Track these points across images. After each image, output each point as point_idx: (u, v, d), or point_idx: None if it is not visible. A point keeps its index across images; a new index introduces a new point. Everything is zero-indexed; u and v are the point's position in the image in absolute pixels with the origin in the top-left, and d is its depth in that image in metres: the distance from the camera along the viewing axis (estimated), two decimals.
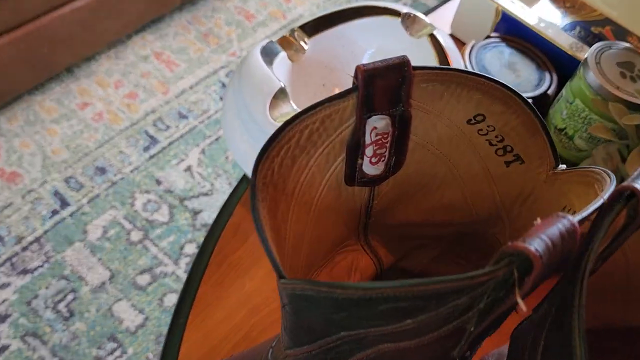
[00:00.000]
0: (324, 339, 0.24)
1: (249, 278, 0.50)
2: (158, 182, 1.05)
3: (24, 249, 0.95)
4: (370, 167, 0.27)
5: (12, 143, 1.08)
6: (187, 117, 1.16)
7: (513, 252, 0.17)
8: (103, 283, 0.92)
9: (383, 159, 0.27)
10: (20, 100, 1.14)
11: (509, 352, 0.28)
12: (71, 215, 0.99)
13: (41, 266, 0.93)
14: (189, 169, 1.08)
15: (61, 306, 0.89)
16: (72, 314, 0.88)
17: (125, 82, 1.21)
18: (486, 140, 0.28)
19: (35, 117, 1.12)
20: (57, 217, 0.99)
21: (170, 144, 1.11)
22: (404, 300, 0.18)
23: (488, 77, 0.25)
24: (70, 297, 0.90)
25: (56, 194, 1.02)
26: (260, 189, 0.22)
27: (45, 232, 0.97)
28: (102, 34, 1.17)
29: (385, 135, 0.26)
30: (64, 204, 1.01)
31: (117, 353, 0.84)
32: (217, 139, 1.14)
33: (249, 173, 0.52)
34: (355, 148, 0.26)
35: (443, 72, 0.24)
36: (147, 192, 1.04)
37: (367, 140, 0.25)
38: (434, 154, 0.29)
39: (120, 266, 0.94)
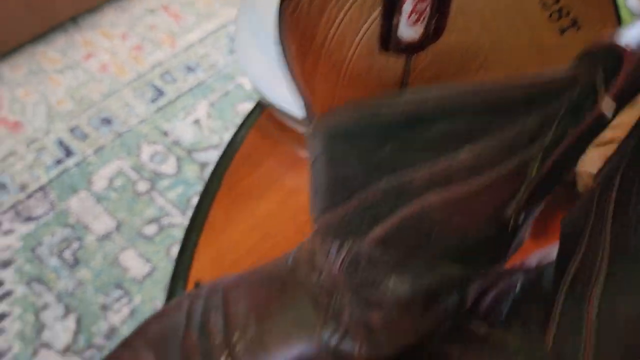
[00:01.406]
0: (362, 193, 0.21)
1: (261, 205, 0.48)
2: (165, 134, 1.02)
3: (28, 197, 0.92)
4: (407, 29, 0.24)
5: (15, 92, 1.05)
6: (195, 71, 1.13)
7: (597, 49, 0.14)
8: (109, 232, 0.90)
9: (423, 18, 0.24)
10: (23, 50, 1.11)
11: (560, 242, 0.25)
12: (76, 164, 0.97)
13: (46, 214, 0.91)
14: (197, 121, 1.05)
15: (66, 254, 0.87)
16: (77, 262, 0.86)
17: (131, 35, 1.18)
18: (539, 1, 0.25)
19: (39, 68, 1.09)
20: (61, 167, 0.96)
21: (177, 97, 1.08)
22: (463, 115, 0.16)
23: None
24: (75, 245, 0.88)
25: (61, 143, 0.99)
26: (287, 19, 0.19)
27: (50, 181, 0.95)
28: None
29: None
30: (69, 153, 0.98)
31: (124, 301, 0.83)
32: (226, 94, 1.11)
33: (266, 95, 0.49)
34: (392, 0, 0.23)
35: None
36: (154, 143, 1.01)
37: None
38: (479, 22, 0.26)
39: (127, 216, 0.91)
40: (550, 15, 0.25)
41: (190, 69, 1.13)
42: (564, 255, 0.23)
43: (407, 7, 0.23)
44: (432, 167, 0.19)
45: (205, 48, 1.18)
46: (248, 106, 1.07)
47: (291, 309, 0.33)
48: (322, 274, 0.31)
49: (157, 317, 0.37)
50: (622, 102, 0.16)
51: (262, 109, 0.54)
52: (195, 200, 0.94)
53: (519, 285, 0.29)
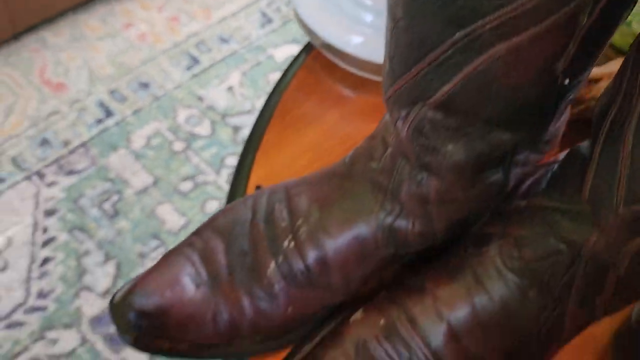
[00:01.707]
0: (436, 50, 0.25)
1: (313, 129, 0.51)
2: (200, 99, 1.07)
3: (71, 152, 0.97)
4: None
5: (58, 56, 1.10)
6: (228, 42, 1.18)
7: None
8: (146, 187, 0.94)
9: None
10: (65, 17, 1.16)
11: (593, 125, 0.29)
12: (116, 124, 1.01)
13: (87, 169, 0.95)
14: (230, 89, 1.09)
15: (106, 205, 0.92)
16: (117, 213, 0.91)
17: (167, 7, 1.22)
18: None
19: (81, 34, 1.14)
20: (101, 126, 1.01)
21: (211, 65, 1.13)
22: None
23: None
24: (115, 197, 0.92)
25: (101, 104, 1.04)
26: None
27: (91, 138, 0.99)
28: None
29: None
30: (109, 114, 1.03)
31: (161, 250, 0.87)
32: (258, 64, 1.15)
33: (317, 32, 0.53)
34: None
35: None
36: (189, 107, 1.05)
37: None
38: None
39: (163, 173, 0.96)
40: None
41: (224, 40, 1.18)
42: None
43: None
44: (498, 17, 0.23)
45: (238, 21, 1.22)
46: (279, 76, 1.11)
47: (350, 196, 0.37)
48: (383, 155, 0.34)
49: (224, 211, 0.41)
50: None
51: (308, 51, 0.58)
52: (229, 160, 0.99)
53: (557, 165, 0.33)
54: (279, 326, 0.38)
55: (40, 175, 0.94)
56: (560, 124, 0.34)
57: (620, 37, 0.48)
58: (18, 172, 0.94)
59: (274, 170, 0.48)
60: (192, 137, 1.01)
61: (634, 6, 0.24)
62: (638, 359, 0.41)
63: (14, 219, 0.89)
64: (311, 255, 0.36)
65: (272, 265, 0.37)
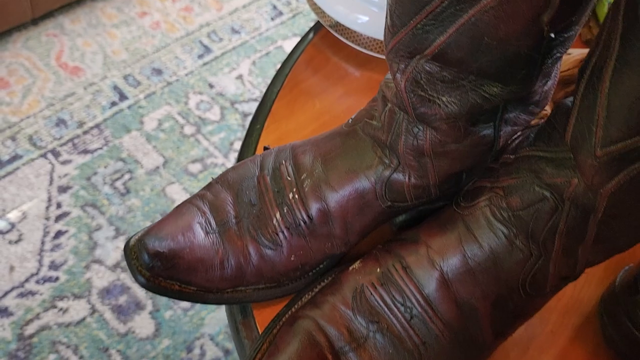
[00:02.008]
0: (433, 1, 0.27)
1: (319, 100, 0.54)
2: (210, 86, 1.10)
3: (85, 132, 1.00)
4: None
5: (75, 42, 1.14)
6: (239, 32, 1.21)
7: None
8: (157, 167, 0.97)
9: None
10: (82, 4, 1.19)
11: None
12: (129, 107, 1.04)
13: (100, 148, 0.98)
14: (240, 77, 1.12)
15: (118, 184, 0.94)
16: (128, 191, 0.94)
17: None
18: None
19: (97, 21, 1.18)
20: (115, 108, 1.04)
21: (222, 54, 1.16)
22: None
23: None
24: (127, 176, 0.95)
25: (115, 88, 1.07)
26: None
27: (105, 119, 1.02)
28: None
29: None
30: (122, 97, 1.06)
31: None
32: (267, 54, 1.18)
33: (327, 12, 0.56)
34: None
35: None
36: (200, 93, 1.08)
37: None
38: None
39: (174, 154, 0.99)
40: None
41: (235, 31, 1.21)
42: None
43: None
44: None
45: (249, 13, 1.25)
46: None
47: (352, 152, 0.39)
48: (383, 112, 0.37)
49: (233, 168, 0.44)
50: None
51: (317, 31, 0.61)
52: (237, 144, 1.01)
53: (543, 121, 0.35)
54: (282, 273, 0.40)
55: (55, 153, 0.97)
56: (548, 87, 0.36)
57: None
58: (34, 150, 0.97)
59: (282, 135, 0.51)
60: (202, 122, 1.04)
61: None
62: (621, 322, 0.43)
63: (29, 194, 0.92)
64: (314, 207, 0.39)
65: (277, 215, 0.39)
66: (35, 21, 1.15)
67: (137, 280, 0.38)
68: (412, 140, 0.35)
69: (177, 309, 0.83)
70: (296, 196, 0.40)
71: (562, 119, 0.31)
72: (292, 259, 0.40)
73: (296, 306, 0.40)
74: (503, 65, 0.30)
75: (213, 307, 0.83)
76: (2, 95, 1.03)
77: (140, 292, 0.84)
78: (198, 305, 0.83)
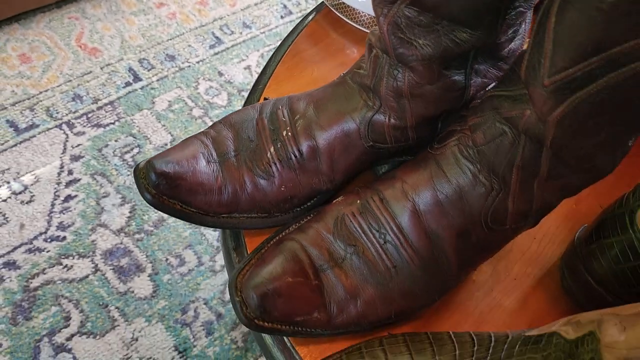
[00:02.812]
0: None
1: (317, 68, 0.59)
2: (220, 74, 1.15)
3: (99, 108, 1.06)
4: None
5: (95, 25, 1.20)
6: (250, 27, 1.27)
7: None
8: (165, 144, 1.02)
9: None
10: None
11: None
12: (142, 88, 1.10)
13: (112, 123, 1.04)
14: (248, 67, 1.18)
15: (127, 157, 1.00)
16: (136, 164, 0.99)
17: None
18: None
19: (117, 8, 1.24)
20: (129, 88, 1.10)
21: (233, 45, 1.22)
22: None
23: None
24: (135, 150, 1.01)
25: (130, 70, 1.13)
26: None
27: (119, 97, 1.08)
28: None
29: None
30: (136, 78, 1.12)
31: None
32: (275, 48, 1.23)
33: None
34: None
35: None
36: (210, 80, 1.14)
37: None
38: None
39: (182, 133, 1.04)
40: None
41: (246, 25, 1.27)
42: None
43: None
44: None
45: (260, 10, 1.32)
46: None
47: (341, 97, 0.44)
48: (369, 58, 0.42)
49: (235, 112, 0.49)
50: None
51: (319, 10, 0.66)
52: None
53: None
54: (273, 204, 0.45)
55: (70, 125, 1.03)
56: (516, 45, 0.41)
57: None
58: (50, 121, 1.03)
59: (281, 94, 0.56)
60: (209, 106, 1.09)
61: None
62: (579, 272, 0.47)
63: (43, 160, 0.97)
64: (304, 143, 0.44)
65: (272, 149, 0.44)
66: (58, 4, 1.21)
67: (144, 197, 0.43)
68: (392, 82, 0.40)
69: (175, 274, 0.87)
70: (289, 134, 0.44)
71: (520, 61, 0.36)
72: (282, 189, 0.44)
73: (284, 233, 0.45)
74: (471, 11, 0.35)
75: (209, 274, 0.88)
76: (24, 69, 1.09)
77: (141, 256, 0.89)
78: (195, 271, 0.88)
